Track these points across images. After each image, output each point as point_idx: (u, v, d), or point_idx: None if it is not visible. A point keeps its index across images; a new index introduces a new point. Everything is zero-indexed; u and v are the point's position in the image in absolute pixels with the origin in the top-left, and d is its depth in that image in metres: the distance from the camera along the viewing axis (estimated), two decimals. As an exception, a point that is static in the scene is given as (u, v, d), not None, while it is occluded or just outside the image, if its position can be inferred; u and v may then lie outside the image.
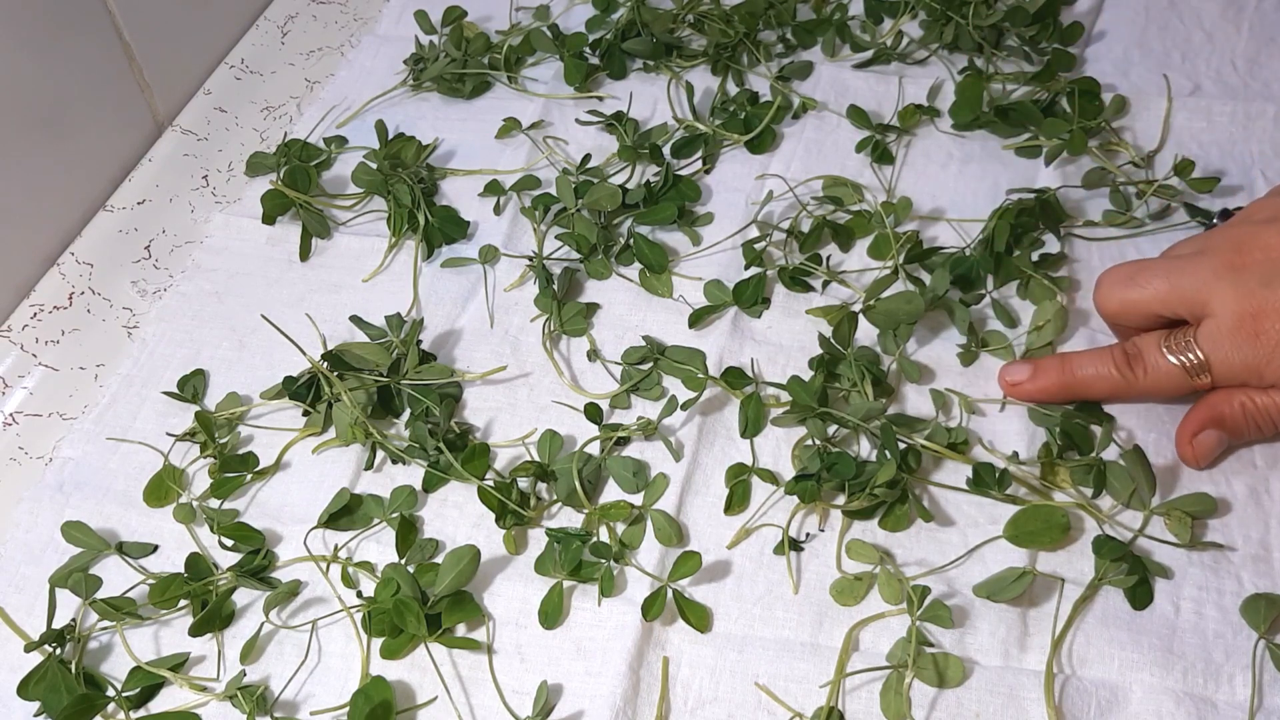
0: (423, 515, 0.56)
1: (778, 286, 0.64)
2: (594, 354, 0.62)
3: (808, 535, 0.54)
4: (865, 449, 0.56)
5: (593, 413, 0.58)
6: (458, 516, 0.56)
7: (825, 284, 0.63)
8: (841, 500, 0.54)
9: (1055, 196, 0.64)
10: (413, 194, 0.68)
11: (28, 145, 0.66)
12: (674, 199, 0.67)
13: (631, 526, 0.54)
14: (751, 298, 0.62)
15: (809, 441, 0.56)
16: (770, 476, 0.55)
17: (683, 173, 0.70)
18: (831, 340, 0.59)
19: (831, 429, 0.56)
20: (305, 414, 0.60)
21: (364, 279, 0.66)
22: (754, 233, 0.65)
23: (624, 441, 0.58)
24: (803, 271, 0.63)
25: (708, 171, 0.71)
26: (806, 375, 0.58)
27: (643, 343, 0.61)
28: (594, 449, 0.57)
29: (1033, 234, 0.64)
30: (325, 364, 0.59)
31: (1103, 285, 0.55)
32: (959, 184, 0.68)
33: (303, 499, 0.57)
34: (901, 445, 0.54)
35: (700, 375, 0.58)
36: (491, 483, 0.55)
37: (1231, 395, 0.53)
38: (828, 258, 0.64)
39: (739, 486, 0.55)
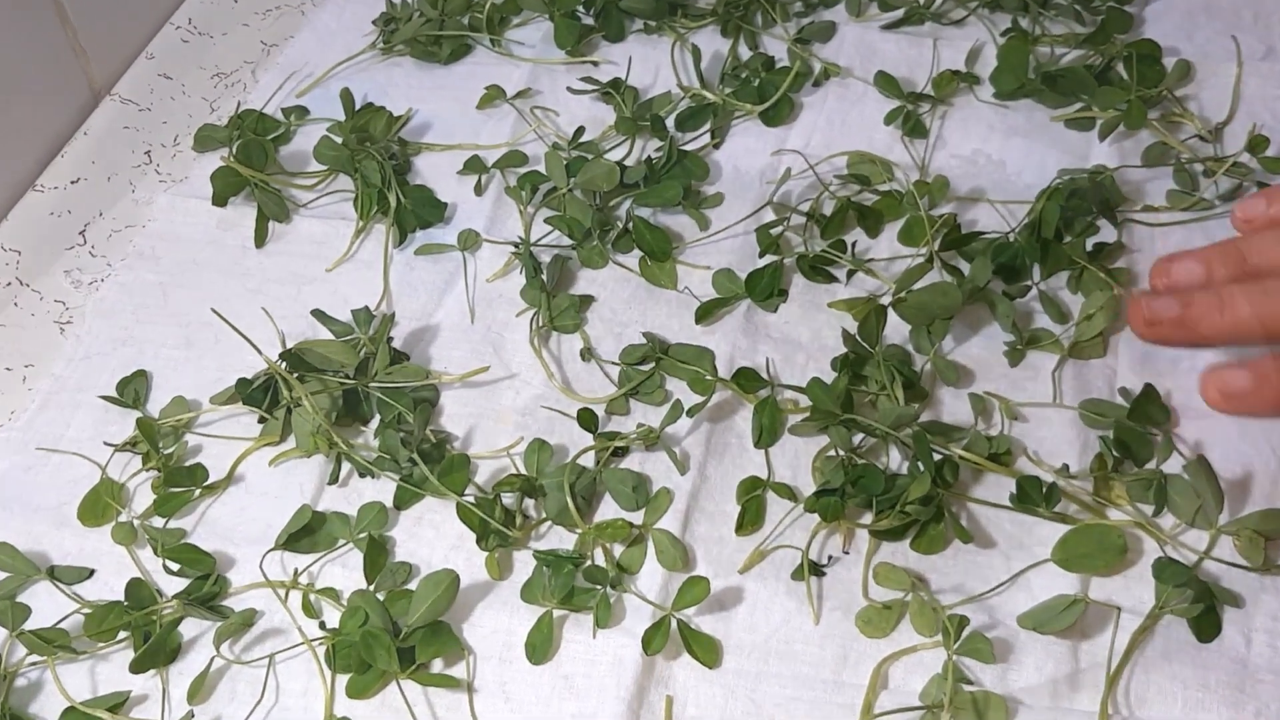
0: (394, 536, 0.56)
1: (796, 276, 0.64)
2: (588, 353, 0.62)
3: (830, 558, 0.54)
4: (895, 460, 0.56)
5: (587, 419, 0.58)
6: (434, 537, 0.56)
7: (850, 274, 0.63)
8: (868, 519, 0.54)
9: (1111, 177, 0.64)
10: (383, 172, 0.68)
11: (-53, 116, 0.66)
12: (679, 177, 0.67)
13: (630, 548, 0.54)
14: (767, 289, 0.62)
15: (832, 452, 0.56)
16: (788, 492, 0.55)
17: (688, 148, 0.70)
18: (857, 337, 0.59)
19: (857, 438, 0.56)
20: (261, 421, 0.60)
21: (328, 268, 0.67)
22: (769, 216, 0.65)
23: (622, 452, 0.58)
24: (825, 260, 0.63)
25: (717, 146, 0.71)
26: (829, 377, 0.58)
27: (643, 340, 0.61)
28: (588, 460, 0.57)
29: (1086, 218, 0.64)
30: (284, 364, 0.59)
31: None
32: (1002, 161, 0.68)
33: (258, 517, 0.57)
34: (936, 456, 0.54)
35: (708, 377, 0.58)
36: (472, 499, 0.55)
37: None
38: (853, 244, 0.64)
39: (752, 503, 0.55)
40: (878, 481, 0.53)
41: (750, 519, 0.55)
